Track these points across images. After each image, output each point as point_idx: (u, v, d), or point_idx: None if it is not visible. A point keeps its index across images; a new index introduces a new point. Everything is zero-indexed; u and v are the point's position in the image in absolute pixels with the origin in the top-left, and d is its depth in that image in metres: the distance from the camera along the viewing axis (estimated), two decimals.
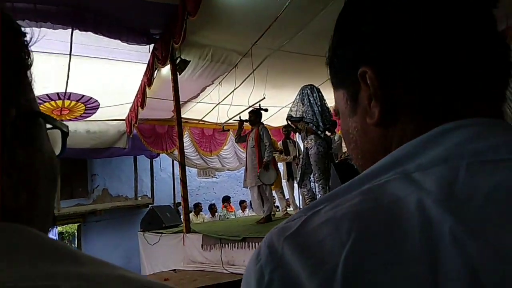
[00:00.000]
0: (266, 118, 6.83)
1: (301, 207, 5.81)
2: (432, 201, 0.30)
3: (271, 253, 0.33)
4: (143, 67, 5.47)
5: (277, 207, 6.80)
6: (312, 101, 4.42)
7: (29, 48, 0.34)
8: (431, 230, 0.29)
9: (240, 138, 5.31)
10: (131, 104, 7.04)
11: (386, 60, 0.39)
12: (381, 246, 0.29)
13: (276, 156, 5.68)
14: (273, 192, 5.42)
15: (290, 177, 6.13)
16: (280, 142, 6.53)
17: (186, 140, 8.49)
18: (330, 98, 4.68)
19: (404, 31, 0.38)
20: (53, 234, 9.95)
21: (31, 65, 0.34)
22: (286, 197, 6.34)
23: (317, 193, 4.53)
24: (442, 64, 0.37)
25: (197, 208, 8.73)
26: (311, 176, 4.58)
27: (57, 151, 0.39)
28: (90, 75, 5.48)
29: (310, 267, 0.30)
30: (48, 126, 0.37)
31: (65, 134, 0.40)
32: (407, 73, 0.38)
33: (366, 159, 0.42)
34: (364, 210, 0.32)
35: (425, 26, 0.37)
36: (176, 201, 9.26)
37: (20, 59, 0.33)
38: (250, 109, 5.26)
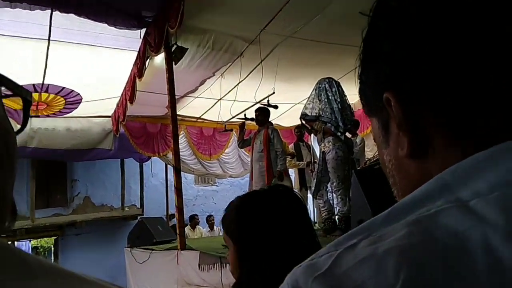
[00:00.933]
0: (275, 117, 6.83)
1: (316, 221, 5.83)
2: (501, 237, 0.28)
3: None
4: (133, 55, 5.37)
5: None
6: (330, 97, 4.37)
7: None
8: (502, 273, 0.27)
9: (244, 142, 5.27)
10: (118, 99, 6.90)
11: (407, 82, 0.39)
12: None
13: (287, 162, 5.54)
14: None
15: (303, 186, 6.04)
16: (292, 145, 6.43)
17: (182, 141, 8.37)
18: (351, 94, 4.62)
19: (425, 47, 0.37)
20: (26, 248, 10.05)
21: None
22: None
23: (334, 205, 4.50)
24: (475, 79, 0.36)
25: (193, 220, 8.70)
26: (328, 185, 4.52)
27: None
28: (71, 64, 5.39)
29: None
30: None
31: (28, 103, 0.38)
32: (435, 95, 0.37)
33: None
34: (414, 246, 0.30)
35: (453, 39, 0.36)
36: (170, 213, 9.19)
37: None
38: (257, 106, 5.20)
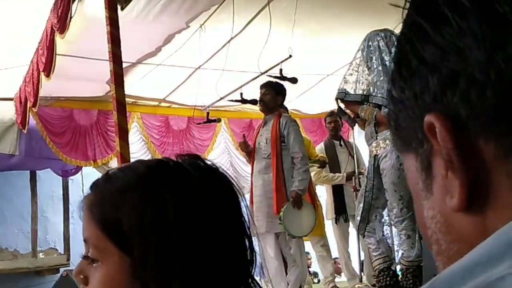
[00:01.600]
0: (293, 98, 6.50)
1: (363, 272, 5.50)
2: None
3: None
4: None
5: (315, 274, 6.35)
6: (388, 63, 4.08)
7: None
8: None
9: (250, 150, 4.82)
10: (26, 70, 6.30)
11: (464, 100, 0.38)
12: None
13: (313, 175, 5.20)
14: (307, 244, 5.20)
15: (341, 214, 5.64)
16: (321, 145, 6.04)
17: (136, 139, 7.58)
18: None
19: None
20: None
21: None
22: (334, 256, 5.80)
23: (396, 246, 4.32)
24: None
25: None
26: (385, 213, 4.34)
27: None
28: None
29: None
30: None
31: None
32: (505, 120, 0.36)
33: None
34: None
35: None
36: None
37: None
38: (263, 79, 4.94)
